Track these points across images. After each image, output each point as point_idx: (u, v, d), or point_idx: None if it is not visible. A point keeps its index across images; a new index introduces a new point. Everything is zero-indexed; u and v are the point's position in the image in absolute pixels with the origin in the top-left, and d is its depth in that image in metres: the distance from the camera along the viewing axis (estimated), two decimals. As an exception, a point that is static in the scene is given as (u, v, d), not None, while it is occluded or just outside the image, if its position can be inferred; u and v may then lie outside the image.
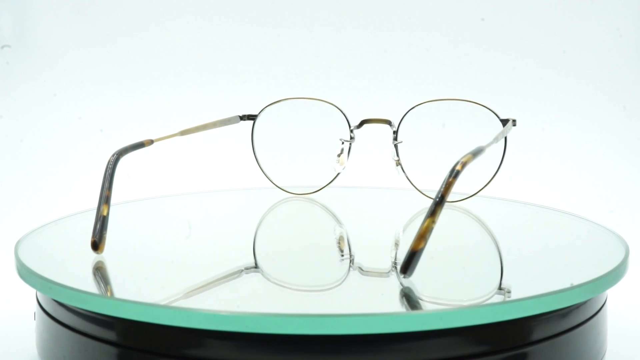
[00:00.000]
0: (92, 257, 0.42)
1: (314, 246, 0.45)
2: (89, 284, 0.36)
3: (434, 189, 0.49)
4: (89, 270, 0.40)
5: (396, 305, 0.35)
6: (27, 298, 0.45)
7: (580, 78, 0.78)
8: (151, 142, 0.48)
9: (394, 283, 0.38)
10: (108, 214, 0.42)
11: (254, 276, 0.39)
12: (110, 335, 0.35)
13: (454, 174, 0.37)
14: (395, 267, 0.39)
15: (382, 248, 0.44)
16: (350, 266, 0.40)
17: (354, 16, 0.81)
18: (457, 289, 0.38)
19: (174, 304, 0.34)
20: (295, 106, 0.53)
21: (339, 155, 0.51)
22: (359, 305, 0.36)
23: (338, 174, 0.52)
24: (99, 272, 0.39)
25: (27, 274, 0.37)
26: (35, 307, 0.40)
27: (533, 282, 0.38)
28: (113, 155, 0.45)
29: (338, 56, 0.80)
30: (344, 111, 0.51)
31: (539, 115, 0.76)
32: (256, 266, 0.41)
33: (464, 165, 0.37)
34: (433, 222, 0.35)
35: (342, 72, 0.80)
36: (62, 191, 0.74)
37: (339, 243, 0.45)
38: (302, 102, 0.53)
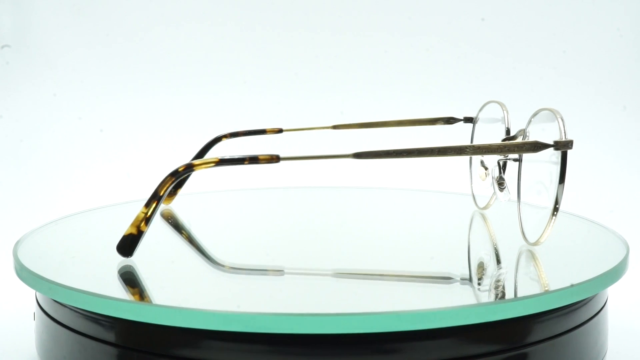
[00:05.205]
0: (92, 257, 0.42)
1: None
2: (89, 284, 0.36)
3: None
4: (89, 271, 0.39)
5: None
6: (27, 298, 0.45)
7: (580, 78, 0.78)
8: (279, 130, 0.49)
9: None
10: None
11: (464, 287, 0.38)
12: (110, 335, 0.35)
13: (171, 173, 0.38)
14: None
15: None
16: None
17: (354, 17, 0.81)
18: (450, 287, 0.38)
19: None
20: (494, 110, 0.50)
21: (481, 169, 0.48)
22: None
23: (497, 188, 0.46)
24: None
25: (26, 275, 0.37)
26: (34, 307, 0.40)
27: (533, 281, 0.38)
28: (223, 134, 0.48)
29: (338, 56, 0.80)
30: (509, 126, 0.46)
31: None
32: (470, 279, 0.39)
33: (189, 167, 0.38)
34: (144, 213, 0.38)
35: (342, 73, 0.80)
36: (62, 191, 0.74)
37: (480, 270, 0.41)
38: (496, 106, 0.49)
